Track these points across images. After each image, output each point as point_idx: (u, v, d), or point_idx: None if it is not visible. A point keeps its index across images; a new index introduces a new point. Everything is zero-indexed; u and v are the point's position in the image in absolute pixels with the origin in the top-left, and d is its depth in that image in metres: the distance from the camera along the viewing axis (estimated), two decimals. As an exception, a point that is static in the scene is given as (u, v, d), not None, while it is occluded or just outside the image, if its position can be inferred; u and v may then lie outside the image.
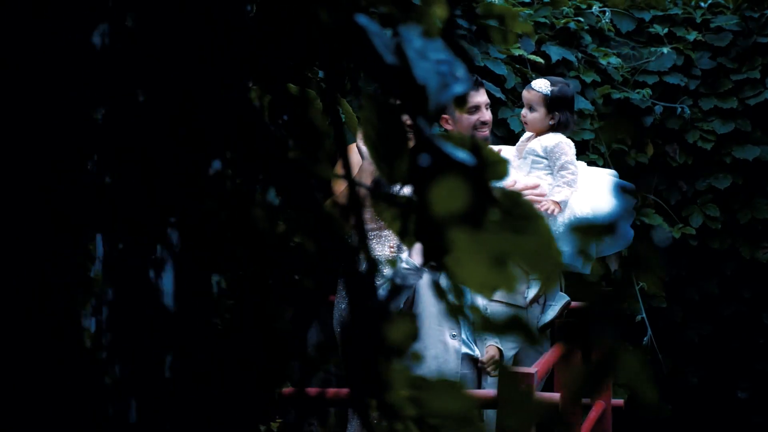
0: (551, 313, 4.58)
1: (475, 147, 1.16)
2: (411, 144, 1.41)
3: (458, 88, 1.19)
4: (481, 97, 4.99)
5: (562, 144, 4.76)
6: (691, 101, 7.61)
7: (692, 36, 7.68)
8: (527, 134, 5.06)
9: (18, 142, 1.35)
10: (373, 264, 1.13)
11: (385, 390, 1.01)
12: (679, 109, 7.55)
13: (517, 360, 4.58)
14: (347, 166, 1.21)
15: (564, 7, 7.54)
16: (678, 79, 7.55)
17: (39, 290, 1.36)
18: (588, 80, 7.34)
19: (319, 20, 1.02)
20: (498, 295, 4.83)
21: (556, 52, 7.25)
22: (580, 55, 7.44)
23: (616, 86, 7.51)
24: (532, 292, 4.54)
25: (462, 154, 1.14)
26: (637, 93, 7.46)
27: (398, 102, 1.14)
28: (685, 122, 7.56)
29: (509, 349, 4.51)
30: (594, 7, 7.64)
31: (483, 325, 1.07)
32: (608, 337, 0.96)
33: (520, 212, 1.33)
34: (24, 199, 1.33)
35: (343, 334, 1.07)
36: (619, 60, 7.46)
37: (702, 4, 7.84)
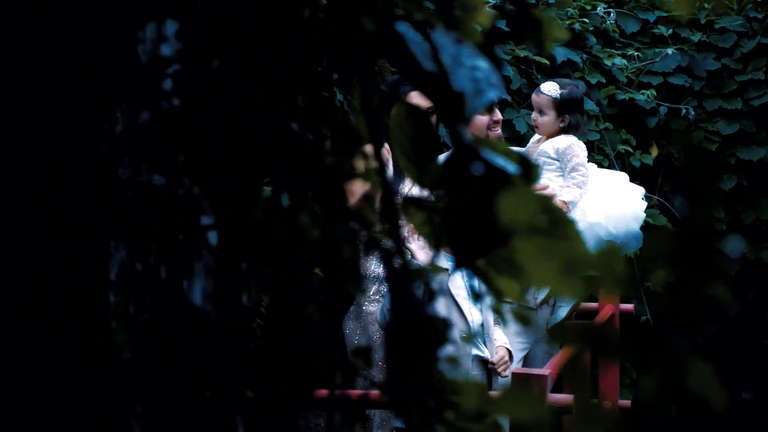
0: (561, 314, 4.59)
1: (508, 153, 1.17)
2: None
3: (492, 95, 1.20)
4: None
5: (574, 146, 4.77)
6: (696, 102, 7.62)
7: (697, 37, 7.69)
8: (537, 136, 5.07)
9: (53, 148, 1.36)
10: (412, 268, 1.14)
11: (430, 394, 1.02)
12: (684, 110, 7.56)
13: (526, 361, 4.59)
14: (383, 170, 1.22)
15: (569, 8, 7.55)
16: (682, 80, 7.56)
17: (69, 295, 1.37)
18: (593, 81, 7.35)
19: (362, 28, 1.03)
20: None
21: (561, 53, 7.26)
22: (584, 56, 7.45)
23: (621, 87, 7.52)
24: (542, 293, 4.55)
25: (501, 161, 1.15)
26: (642, 94, 7.47)
27: (435, 108, 1.16)
28: (690, 123, 7.57)
29: (519, 350, 4.52)
30: (599, 8, 7.65)
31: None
32: (681, 346, 0.97)
33: (553, 217, 1.35)
34: (59, 204, 1.34)
35: (388, 339, 1.08)
36: (624, 61, 7.47)
37: (706, 5, 7.86)
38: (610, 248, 1.03)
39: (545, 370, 3.18)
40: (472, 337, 4.10)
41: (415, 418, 1.01)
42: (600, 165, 6.56)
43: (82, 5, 1.35)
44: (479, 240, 1.23)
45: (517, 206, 1.06)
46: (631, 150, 7.48)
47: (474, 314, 4.20)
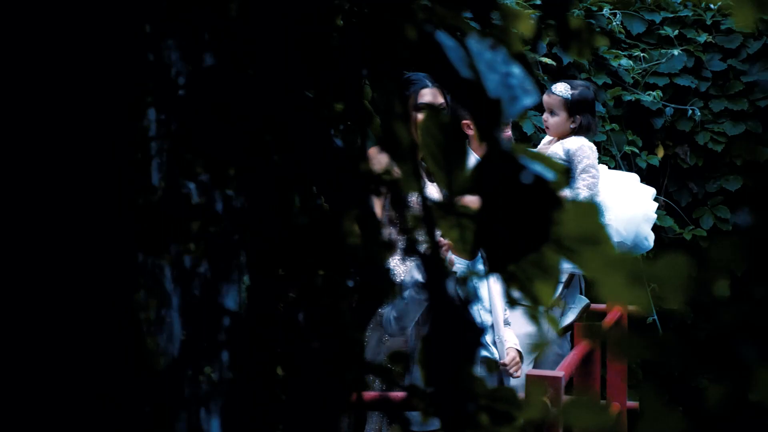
0: (571, 316, 4.59)
1: (545, 159, 1.18)
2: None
3: (527, 101, 1.21)
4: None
5: (584, 147, 4.78)
6: (702, 103, 7.62)
7: (703, 38, 7.70)
8: (548, 137, 5.07)
9: (84, 153, 1.37)
10: (449, 274, 1.14)
11: (469, 399, 1.02)
12: (690, 111, 7.57)
13: (536, 362, 4.59)
14: (418, 176, 1.23)
15: (575, 10, 7.55)
16: (689, 81, 7.56)
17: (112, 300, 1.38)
18: (599, 82, 7.36)
19: (405, 37, 1.04)
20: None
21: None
22: (591, 57, 7.46)
23: (627, 88, 7.53)
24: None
25: (538, 167, 1.16)
26: (648, 95, 7.47)
27: (471, 114, 1.16)
28: (696, 124, 7.58)
29: (530, 351, 4.52)
30: (605, 9, 7.66)
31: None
32: (749, 357, 0.97)
33: (585, 221, 1.35)
34: (93, 208, 1.34)
35: (428, 343, 1.08)
36: (630, 62, 7.48)
37: (712, 6, 7.86)
38: (674, 259, 1.04)
39: (559, 372, 3.19)
40: (495, 365, 4.08)
41: (454, 423, 1.01)
42: (606, 166, 6.56)
43: (116, 11, 1.36)
44: (512, 245, 1.23)
45: (580, 218, 1.07)
46: (637, 151, 7.49)
47: (483, 316, 4.20)
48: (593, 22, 7.56)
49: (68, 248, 1.32)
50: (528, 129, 6.99)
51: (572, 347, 4.62)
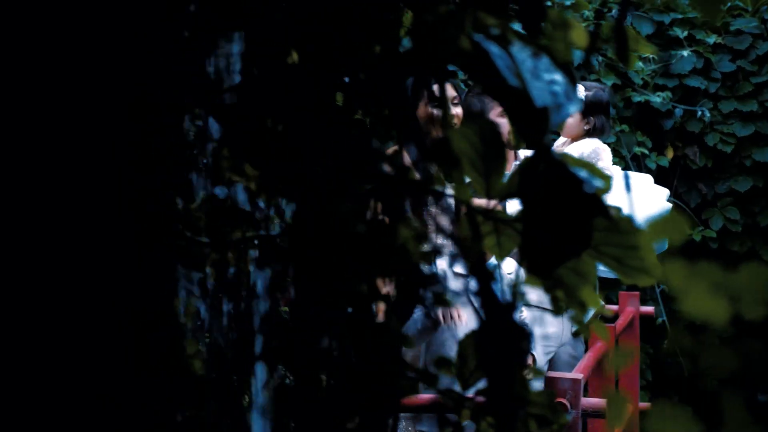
0: (585, 318, 4.59)
1: (590, 167, 1.19)
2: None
3: (571, 108, 1.21)
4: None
5: (598, 150, 4.78)
6: (711, 104, 7.63)
7: (712, 39, 7.70)
8: (562, 139, 5.08)
9: (126, 158, 1.38)
10: (492, 279, 1.15)
11: (525, 405, 1.03)
12: (699, 112, 7.57)
13: (551, 365, 4.59)
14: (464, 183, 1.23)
15: (584, 11, 7.56)
16: (698, 82, 7.57)
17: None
18: (609, 83, 7.36)
19: (459, 47, 1.05)
20: (534, 300, 4.85)
21: (577, 55, 7.26)
22: (600, 58, 7.46)
23: (637, 89, 7.53)
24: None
25: (584, 174, 1.16)
26: (658, 96, 7.48)
27: (515, 122, 1.17)
28: (705, 125, 7.58)
29: (544, 354, 4.52)
30: (614, 10, 7.66)
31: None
32: None
33: (624, 227, 1.36)
34: (135, 212, 1.35)
35: (482, 351, 1.09)
36: (640, 63, 7.48)
37: (721, 6, 7.86)
38: (756, 270, 1.04)
39: (578, 374, 3.19)
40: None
41: (507, 428, 1.02)
42: (619, 168, 6.57)
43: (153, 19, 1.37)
44: (554, 250, 1.24)
45: (665, 229, 1.07)
46: (646, 152, 7.49)
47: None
48: (603, 23, 7.56)
49: (82, 250, 1.32)
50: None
51: (586, 349, 4.62)
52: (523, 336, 1.10)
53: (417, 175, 1.21)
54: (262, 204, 1.28)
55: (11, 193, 1.29)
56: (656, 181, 7.18)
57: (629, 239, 1.35)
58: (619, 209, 1.31)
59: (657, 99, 7.48)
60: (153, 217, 1.33)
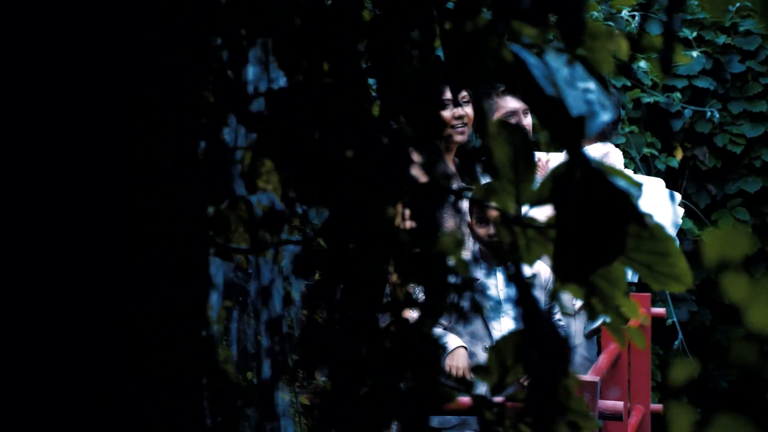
0: (599, 320, 4.60)
1: (625, 176, 1.20)
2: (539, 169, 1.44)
3: (606, 117, 1.22)
4: (517, 103, 4.92)
5: (610, 154, 4.78)
6: (721, 105, 7.62)
7: (721, 39, 7.70)
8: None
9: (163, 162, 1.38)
10: (535, 287, 1.16)
11: (562, 413, 1.04)
12: (709, 113, 7.57)
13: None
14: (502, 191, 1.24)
15: (593, 12, 7.56)
16: (707, 83, 7.56)
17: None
18: (618, 84, 7.36)
19: (503, 58, 1.05)
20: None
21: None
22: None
23: (646, 90, 7.53)
24: (580, 300, 4.57)
25: (622, 182, 1.17)
26: (667, 97, 7.48)
27: (551, 131, 1.18)
28: (715, 126, 7.58)
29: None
30: (623, 12, 7.66)
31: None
32: None
33: (655, 234, 1.37)
34: (170, 215, 1.36)
35: (525, 358, 1.10)
36: (649, 64, 7.48)
37: (730, 7, 7.86)
38: None
39: (595, 377, 3.20)
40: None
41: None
42: (625, 168, 6.57)
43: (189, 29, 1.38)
44: (588, 257, 1.25)
45: (725, 243, 1.08)
46: (656, 153, 7.49)
47: (504, 324, 4.20)
48: (612, 24, 7.56)
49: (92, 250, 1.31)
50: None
51: (599, 351, 4.63)
52: (564, 343, 1.11)
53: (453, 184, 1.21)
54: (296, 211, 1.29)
55: (11, 194, 1.29)
56: (666, 183, 7.19)
57: (660, 246, 1.36)
58: (650, 216, 1.32)
59: (666, 100, 7.47)
60: (155, 218, 1.33)
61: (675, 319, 7.16)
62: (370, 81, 1.30)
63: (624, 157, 7.53)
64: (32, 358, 1.30)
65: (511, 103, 4.87)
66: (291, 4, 1.45)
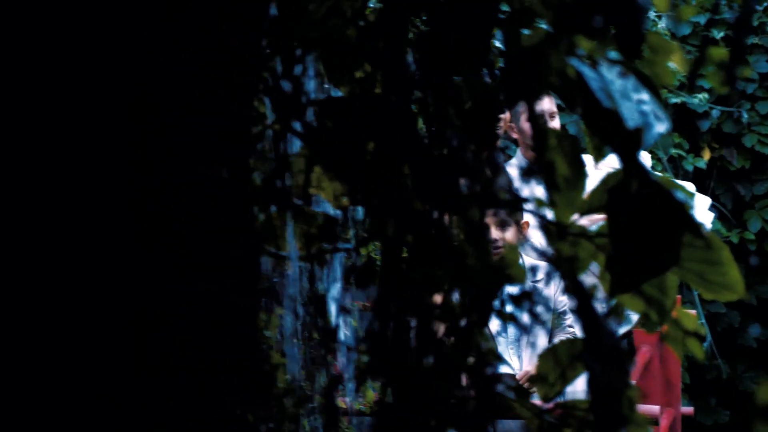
0: (627, 324, 4.59)
1: (679, 187, 1.20)
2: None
3: (662, 128, 1.23)
4: (543, 105, 4.90)
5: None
6: (749, 105, 7.59)
7: (749, 40, 7.66)
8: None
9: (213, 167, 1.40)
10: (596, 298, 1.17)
11: (625, 423, 1.05)
12: (737, 113, 7.54)
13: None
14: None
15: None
16: (735, 83, 7.54)
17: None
18: (645, 85, 7.35)
19: (566, 73, 1.07)
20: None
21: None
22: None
23: (674, 91, 7.51)
24: (607, 306, 4.55)
25: (680, 193, 1.18)
26: (694, 97, 7.45)
27: (610, 143, 1.18)
28: (743, 126, 7.55)
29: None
30: (650, 12, 7.64)
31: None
32: None
33: (708, 243, 1.38)
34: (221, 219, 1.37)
35: (590, 372, 1.11)
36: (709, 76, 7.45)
37: (758, 6, 7.82)
38: None
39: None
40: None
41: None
42: (653, 169, 6.55)
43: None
44: (642, 266, 1.26)
45: None
46: (683, 154, 7.47)
47: (509, 330, 4.19)
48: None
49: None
50: (573, 131, 7.00)
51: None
52: (626, 354, 1.12)
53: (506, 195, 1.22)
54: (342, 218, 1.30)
55: (12, 194, 1.30)
56: (694, 184, 7.16)
57: (712, 255, 1.36)
58: (703, 225, 1.32)
59: (694, 100, 7.45)
60: (155, 218, 1.32)
61: (704, 321, 7.14)
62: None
63: (651, 158, 7.52)
64: (32, 358, 1.30)
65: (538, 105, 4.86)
66: (341, 16, 1.46)
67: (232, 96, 1.43)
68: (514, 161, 4.98)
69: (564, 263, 1.19)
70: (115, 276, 1.32)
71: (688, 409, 5.48)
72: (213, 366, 1.42)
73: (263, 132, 1.53)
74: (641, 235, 1.23)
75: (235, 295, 1.47)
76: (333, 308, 1.44)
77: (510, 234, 4.00)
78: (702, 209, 4.79)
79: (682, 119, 7.53)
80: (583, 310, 1.15)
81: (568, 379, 1.37)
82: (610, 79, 1.23)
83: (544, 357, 1.39)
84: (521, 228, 4.20)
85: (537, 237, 4.15)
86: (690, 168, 7.47)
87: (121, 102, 1.32)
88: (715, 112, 7.53)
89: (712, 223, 7.22)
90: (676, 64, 1.19)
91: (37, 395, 1.30)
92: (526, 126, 4.86)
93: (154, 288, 1.34)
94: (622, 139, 1.16)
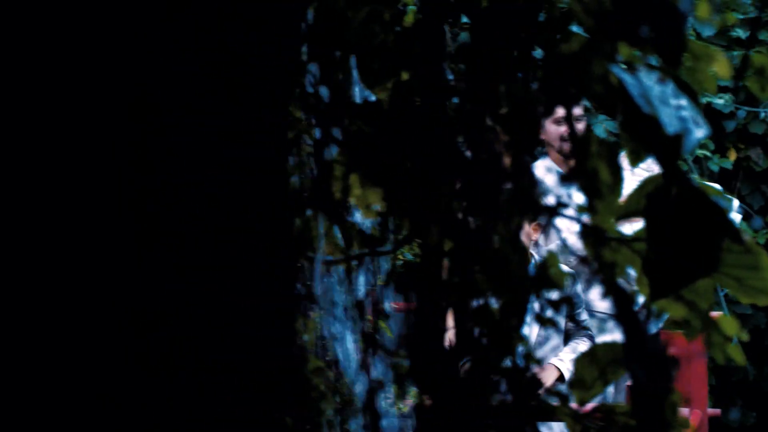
0: (656, 325, 4.57)
1: (718, 193, 1.21)
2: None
3: (700, 134, 1.23)
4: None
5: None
6: (775, 105, 7.56)
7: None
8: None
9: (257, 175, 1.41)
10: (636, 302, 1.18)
11: (671, 428, 1.06)
12: (763, 113, 7.50)
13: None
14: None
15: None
16: (761, 84, 7.51)
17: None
18: (670, 86, 7.32)
19: (609, 81, 1.07)
20: (602, 306, 4.84)
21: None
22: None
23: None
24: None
25: (717, 198, 1.18)
26: (720, 98, 7.42)
27: (650, 150, 1.19)
28: (769, 127, 7.52)
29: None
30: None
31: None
32: None
33: (747, 248, 1.38)
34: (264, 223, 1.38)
35: (633, 377, 1.12)
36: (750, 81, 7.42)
37: (783, 7, 7.78)
38: None
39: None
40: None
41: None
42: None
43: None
44: (682, 271, 1.26)
45: None
46: (709, 154, 7.44)
47: (533, 331, 4.20)
48: (751, 53, 7.51)
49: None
50: (600, 133, 6.98)
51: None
52: (669, 359, 1.12)
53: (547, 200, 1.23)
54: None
55: (12, 194, 1.30)
56: (720, 185, 7.13)
57: (750, 260, 1.37)
58: (743, 230, 1.33)
59: (719, 101, 7.42)
60: (155, 217, 1.32)
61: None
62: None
63: (677, 158, 7.48)
64: (33, 358, 1.30)
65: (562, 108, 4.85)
66: (380, 22, 1.47)
67: (264, 99, 1.44)
68: (540, 163, 4.97)
69: (605, 268, 1.19)
70: (115, 275, 1.31)
71: (715, 411, 5.46)
72: (244, 368, 1.43)
73: (299, 136, 1.54)
74: (681, 240, 1.24)
75: (270, 298, 1.48)
76: (371, 312, 1.45)
77: (523, 236, 4.02)
78: (731, 211, 4.78)
79: (708, 120, 7.50)
80: (625, 315, 1.16)
81: (605, 383, 1.38)
82: (649, 84, 1.24)
83: (582, 361, 1.40)
84: (532, 230, 4.21)
85: (567, 240, 4.15)
86: (716, 169, 7.44)
87: (121, 102, 1.31)
88: (741, 113, 7.50)
89: (740, 224, 7.19)
90: (719, 71, 1.20)
91: (37, 395, 1.30)
92: (552, 128, 4.85)
93: (155, 288, 1.33)
94: (662, 145, 1.17)
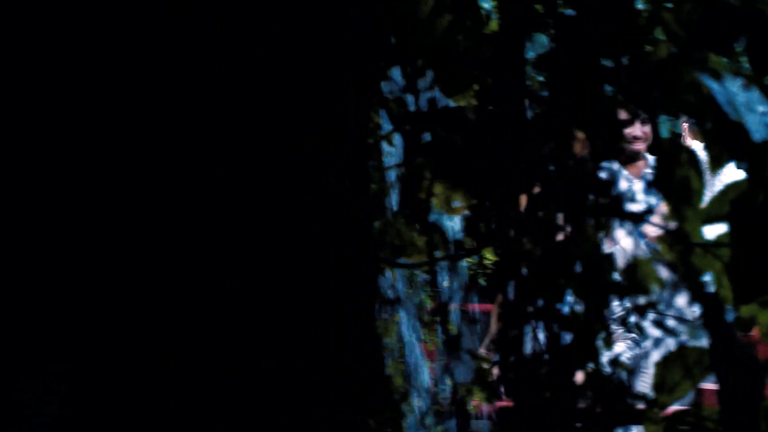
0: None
1: None
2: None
3: (786, 140, 1.24)
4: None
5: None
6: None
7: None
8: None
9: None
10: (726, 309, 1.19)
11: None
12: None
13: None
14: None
15: None
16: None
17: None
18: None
19: (700, 90, 1.09)
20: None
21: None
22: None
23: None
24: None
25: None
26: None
27: (735, 156, 1.20)
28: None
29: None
30: None
31: None
32: None
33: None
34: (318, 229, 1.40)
35: (721, 382, 1.13)
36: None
37: None
38: None
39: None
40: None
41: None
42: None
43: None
44: (766, 277, 1.27)
45: None
46: None
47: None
48: None
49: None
50: (664, 133, 6.92)
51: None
52: (760, 365, 1.13)
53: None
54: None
55: (12, 194, 1.31)
56: None
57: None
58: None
59: None
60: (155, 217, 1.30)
61: None
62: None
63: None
64: (33, 358, 1.31)
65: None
66: (462, 30, 1.49)
67: (348, 106, 1.46)
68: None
69: (691, 274, 1.20)
70: (115, 275, 1.31)
71: None
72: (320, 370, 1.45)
73: (378, 142, 1.57)
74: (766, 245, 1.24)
75: (348, 300, 1.50)
76: (456, 315, 1.47)
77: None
78: None
79: None
80: (713, 320, 1.17)
81: (690, 387, 1.38)
82: (734, 91, 1.24)
83: (664, 364, 1.41)
84: None
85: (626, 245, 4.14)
86: None
87: (121, 102, 1.32)
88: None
89: None
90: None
91: (37, 395, 1.32)
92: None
93: (154, 288, 1.33)
94: (748, 151, 1.18)
